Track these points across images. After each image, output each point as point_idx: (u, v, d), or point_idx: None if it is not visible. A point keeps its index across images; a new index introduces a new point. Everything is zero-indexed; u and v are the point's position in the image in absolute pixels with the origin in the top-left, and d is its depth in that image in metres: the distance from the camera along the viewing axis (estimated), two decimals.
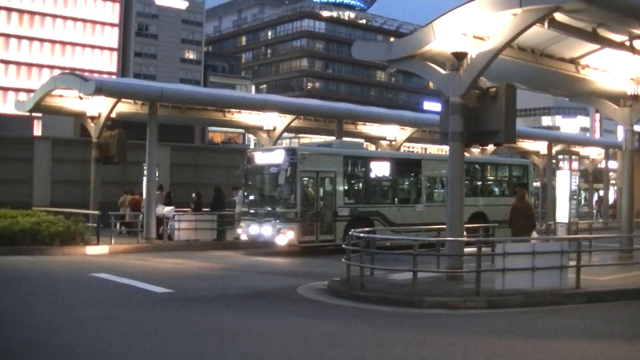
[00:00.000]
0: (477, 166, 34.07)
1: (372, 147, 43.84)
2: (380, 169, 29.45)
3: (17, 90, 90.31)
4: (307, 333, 12.02)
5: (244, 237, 27.74)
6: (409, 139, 42.49)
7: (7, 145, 36.88)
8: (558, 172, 27.73)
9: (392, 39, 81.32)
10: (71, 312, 13.73)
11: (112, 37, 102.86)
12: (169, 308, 14.55)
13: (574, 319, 13.90)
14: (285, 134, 42.54)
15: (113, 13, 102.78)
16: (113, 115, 31.29)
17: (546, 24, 16.86)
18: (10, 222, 24.94)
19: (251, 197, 28.49)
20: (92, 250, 25.68)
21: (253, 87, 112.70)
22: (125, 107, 31.80)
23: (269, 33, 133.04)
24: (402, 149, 41.53)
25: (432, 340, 11.56)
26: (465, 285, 16.19)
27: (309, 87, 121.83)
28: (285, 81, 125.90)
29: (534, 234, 19.78)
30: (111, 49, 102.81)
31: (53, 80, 32.45)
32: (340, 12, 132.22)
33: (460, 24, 16.96)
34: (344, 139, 35.63)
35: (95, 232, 26.80)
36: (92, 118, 31.45)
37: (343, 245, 18.37)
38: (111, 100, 30.31)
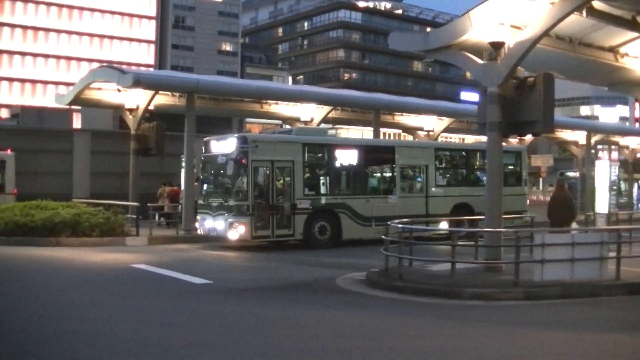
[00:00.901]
0: (462, 153, 32.36)
1: (409, 138, 43.73)
2: (346, 157, 27.40)
3: (56, 83, 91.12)
4: (345, 324, 12.03)
5: (199, 232, 26.50)
6: (447, 129, 42.36)
7: (47, 137, 37.22)
8: (597, 163, 27.54)
9: (428, 29, 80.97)
10: (110, 303, 13.85)
11: (149, 29, 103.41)
12: (208, 299, 14.65)
13: (614, 310, 13.81)
14: (323, 125, 42.56)
15: (150, 6, 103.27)
16: (151, 107, 31.60)
17: (584, 12, 16.73)
18: (52, 213, 25.24)
19: (206, 188, 26.96)
20: (131, 241, 25.91)
21: (290, 78, 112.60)
22: (163, 99, 32.04)
23: (306, 24, 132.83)
24: (439, 139, 41.34)
25: (470, 332, 11.53)
26: (504, 277, 16.13)
27: (345, 78, 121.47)
28: (322, 72, 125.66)
29: (574, 225, 19.60)
30: (148, 42, 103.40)
31: (92, 73, 32.79)
32: (376, 3, 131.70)
33: (497, 13, 16.88)
34: (302, 126, 35.33)
35: (134, 224, 27.03)
36: (131, 110, 31.72)
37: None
38: (149, 93, 30.57)
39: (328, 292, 15.80)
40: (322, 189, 26.85)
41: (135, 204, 28.86)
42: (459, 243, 17.18)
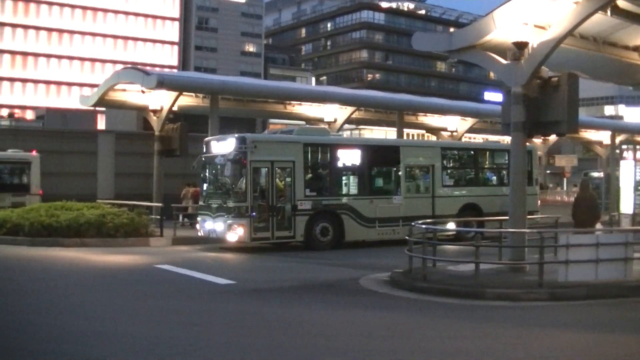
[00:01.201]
0: (470, 152, 31.31)
1: (433, 138, 43.66)
2: (349, 158, 26.58)
3: (81, 85, 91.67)
4: (369, 324, 12.04)
5: (200, 233, 25.96)
6: (470, 130, 42.31)
7: (72, 139, 37.50)
8: (622, 163, 27.32)
9: (451, 30, 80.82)
10: (134, 303, 13.95)
11: (172, 31, 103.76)
12: (231, 299, 14.70)
13: (639, 312, 13.73)
14: (346, 126, 42.63)
15: (173, 7, 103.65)
16: (175, 108, 31.72)
17: (609, 11, 16.65)
18: (76, 214, 25.41)
19: (206, 189, 26.40)
20: (155, 242, 26.01)
21: (313, 79, 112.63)
22: (187, 100, 32.22)
23: (329, 25, 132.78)
24: (463, 140, 41.25)
25: (494, 333, 11.50)
26: (528, 277, 16.06)
27: (369, 79, 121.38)
28: (345, 73, 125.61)
29: (598, 226, 19.46)
30: (172, 43, 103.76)
31: (116, 74, 33.04)
32: (399, 3, 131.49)
33: (521, 13, 16.83)
34: (305, 125, 35.05)
35: (158, 224, 27.12)
36: (154, 111, 31.91)
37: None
38: (173, 94, 30.74)
39: (352, 293, 15.81)
40: (324, 190, 26.20)
41: (159, 204, 29.00)
42: (483, 243, 17.13)
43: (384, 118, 40.14)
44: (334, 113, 35.76)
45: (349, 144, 28.05)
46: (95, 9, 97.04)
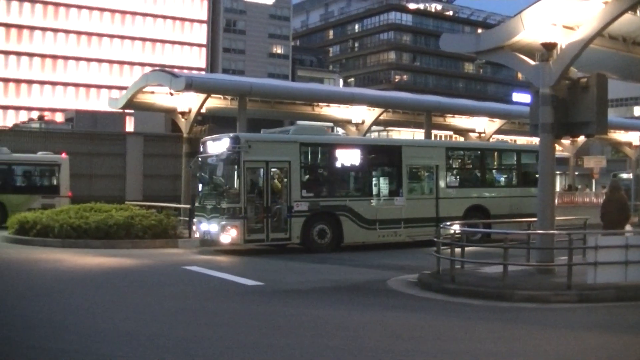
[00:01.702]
0: (477, 152, 30.37)
1: (461, 138, 43.50)
2: (348, 158, 25.86)
3: (109, 87, 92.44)
4: (397, 326, 12.02)
5: (196, 235, 25.67)
6: (498, 131, 42.12)
7: (101, 141, 37.81)
8: None
9: (479, 31, 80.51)
10: (163, 304, 13.97)
11: (200, 33, 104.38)
12: (260, 301, 14.70)
13: None
14: (374, 127, 42.60)
15: (201, 10, 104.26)
16: (203, 110, 31.84)
17: (638, 12, 16.53)
18: (105, 216, 25.56)
19: (201, 190, 26.12)
20: (183, 243, 26.02)
21: (341, 81, 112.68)
22: (215, 102, 32.31)
23: (356, 26, 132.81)
24: (491, 141, 41.07)
25: (523, 335, 11.46)
26: (556, 279, 15.98)
27: (396, 80, 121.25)
28: (373, 74, 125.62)
29: (628, 227, 19.30)
30: (200, 45, 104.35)
31: (144, 77, 33.20)
32: (426, 4, 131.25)
33: (549, 13, 16.74)
34: (303, 122, 35.11)
35: (186, 226, 27.23)
36: (183, 113, 32.01)
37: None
38: (201, 96, 30.83)
39: (381, 294, 15.83)
40: (322, 191, 25.59)
41: (188, 206, 29.08)
42: (512, 245, 17.07)
43: (412, 119, 40.09)
44: (362, 114, 35.73)
45: (347, 144, 27.52)
46: (123, 12, 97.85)
